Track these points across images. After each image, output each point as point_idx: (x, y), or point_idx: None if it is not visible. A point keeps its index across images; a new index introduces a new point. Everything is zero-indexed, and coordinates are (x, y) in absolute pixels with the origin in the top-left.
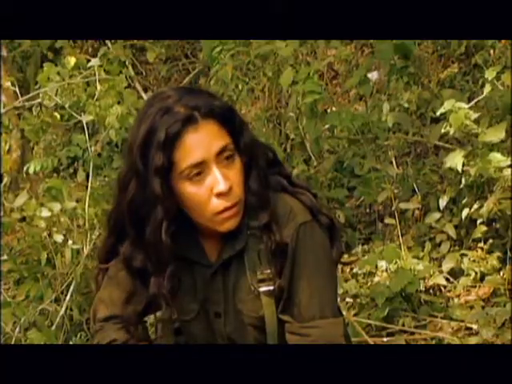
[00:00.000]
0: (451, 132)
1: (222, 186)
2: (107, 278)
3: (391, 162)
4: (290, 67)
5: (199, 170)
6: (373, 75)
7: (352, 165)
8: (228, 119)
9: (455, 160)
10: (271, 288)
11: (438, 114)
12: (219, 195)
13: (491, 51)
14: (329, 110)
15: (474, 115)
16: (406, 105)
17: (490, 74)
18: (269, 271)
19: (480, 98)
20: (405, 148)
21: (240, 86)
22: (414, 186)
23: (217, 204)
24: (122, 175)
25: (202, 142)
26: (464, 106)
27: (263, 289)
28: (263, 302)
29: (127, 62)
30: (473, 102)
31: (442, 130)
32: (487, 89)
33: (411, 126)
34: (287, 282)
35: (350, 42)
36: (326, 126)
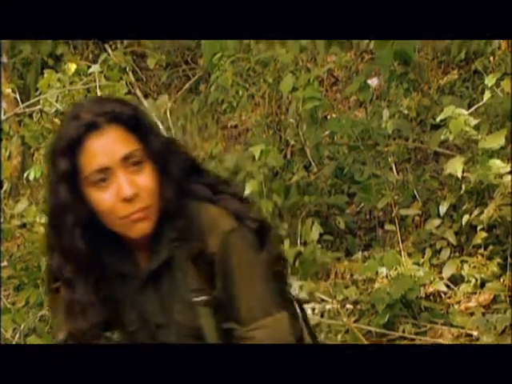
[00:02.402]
0: (451, 138)
1: (126, 192)
2: (59, 299)
3: (391, 169)
4: (290, 74)
5: (104, 175)
6: (373, 81)
7: (352, 171)
8: (135, 125)
9: (455, 166)
10: (205, 298)
11: (437, 120)
12: (124, 200)
13: (491, 58)
14: (329, 117)
15: (474, 121)
16: (406, 111)
17: (489, 80)
18: (200, 281)
19: (480, 104)
20: (405, 154)
21: (240, 92)
22: (414, 192)
23: (122, 209)
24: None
25: (105, 147)
26: (464, 112)
27: (197, 299)
28: (199, 313)
29: (127, 69)
30: (473, 109)
31: (442, 137)
32: (487, 95)
33: (411, 132)
34: (222, 292)
35: (350, 48)
36: (326, 133)
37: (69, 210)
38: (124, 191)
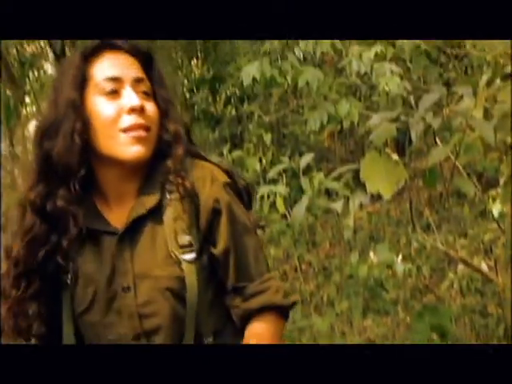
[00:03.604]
0: None
1: (135, 101)
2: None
3: None
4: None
5: (115, 86)
6: None
7: None
8: (149, 66)
9: None
10: (194, 256)
11: None
12: (132, 111)
13: None
14: None
15: None
16: None
17: None
18: (191, 237)
19: None
20: None
21: None
22: None
23: (127, 119)
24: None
25: (121, 62)
26: None
27: (186, 256)
28: (185, 271)
29: None
30: None
31: None
32: None
33: None
34: (228, 244)
35: (386, 315)
36: None
37: (74, 110)
38: (133, 100)
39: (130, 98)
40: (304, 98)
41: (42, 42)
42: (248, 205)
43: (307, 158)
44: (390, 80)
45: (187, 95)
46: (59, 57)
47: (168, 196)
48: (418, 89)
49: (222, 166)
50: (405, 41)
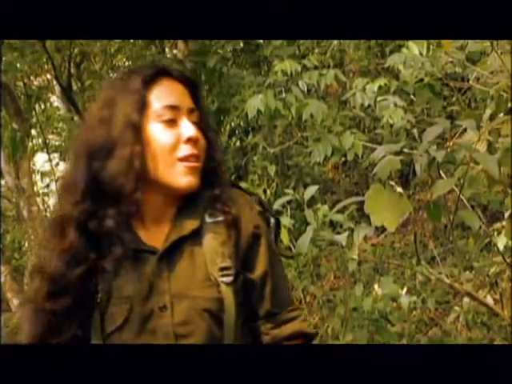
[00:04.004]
0: None
1: (192, 132)
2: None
3: None
4: None
5: (172, 115)
6: None
7: None
8: (196, 91)
9: None
10: (231, 279)
11: None
12: (188, 140)
13: None
14: None
15: None
16: None
17: None
18: (230, 260)
19: None
20: None
21: None
22: None
23: (185, 149)
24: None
25: (177, 90)
26: None
27: (224, 279)
28: (224, 292)
29: None
30: None
31: None
32: None
33: None
34: (266, 270)
35: None
36: None
37: (134, 131)
38: (190, 131)
39: (187, 128)
40: (308, 130)
41: (48, 75)
42: (276, 235)
43: (312, 190)
44: (393, 112)
45: None
46: (65, 89)
47: (208, 220)
48: (422, 121)
49: (258, 196)
50: (407, 74)
